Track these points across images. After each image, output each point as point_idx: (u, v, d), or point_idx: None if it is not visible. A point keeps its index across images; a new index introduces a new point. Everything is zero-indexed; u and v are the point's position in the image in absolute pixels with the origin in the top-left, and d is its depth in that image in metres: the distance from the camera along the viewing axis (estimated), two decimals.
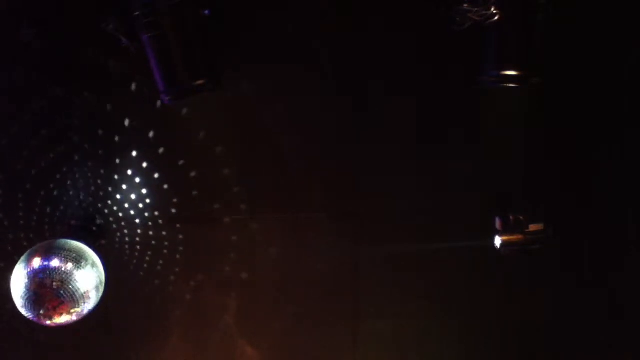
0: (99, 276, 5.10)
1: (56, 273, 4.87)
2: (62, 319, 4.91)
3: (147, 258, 5.75)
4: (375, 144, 5.56)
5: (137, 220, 5.67)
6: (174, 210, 5.66)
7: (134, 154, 5.55)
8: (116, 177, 5.58)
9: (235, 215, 5.69)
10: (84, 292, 4.95)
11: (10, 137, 5.48)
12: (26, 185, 5.58)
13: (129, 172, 5.58)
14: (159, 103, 5.34)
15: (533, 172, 5.55)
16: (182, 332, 5.96)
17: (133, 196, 5.62)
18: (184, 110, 5.47)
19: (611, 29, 5.26)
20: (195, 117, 5.49)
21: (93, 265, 5.07)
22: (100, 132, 5.50)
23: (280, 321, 5.95)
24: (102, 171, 5.57)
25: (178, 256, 5.76)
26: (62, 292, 4.86)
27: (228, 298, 5.90)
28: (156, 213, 5.66)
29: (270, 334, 5.98)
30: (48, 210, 5.63)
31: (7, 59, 5.34)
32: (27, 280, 4.86)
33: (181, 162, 5.59)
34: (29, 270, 4.88)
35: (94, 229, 5.61)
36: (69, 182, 5.58)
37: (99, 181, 5.59)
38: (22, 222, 5.66)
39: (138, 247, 5.73)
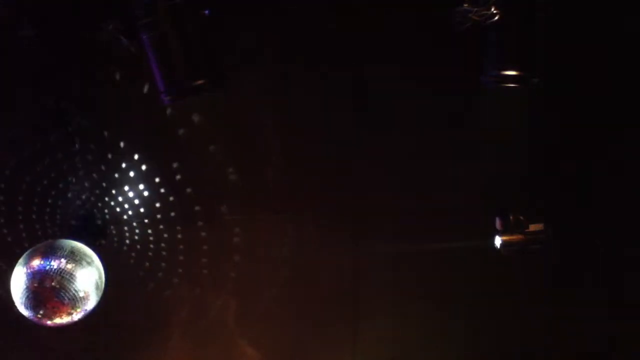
0: (98, 276, 5.10)
1: (56, 273, 4.87)
2: (62, 319, 4.91)
3: (147, 258, 5.76)
4: (376, 144, 5.56)
5: (137, 221, 5.67)
6: (173, 211, 5.66)
7: (134, 154, 5.55)
8: (116, 177, 5.58)
9: (235, 215, 5.69)
10: (84, 292, 4.95)
11: (10, 136, 5.48)
12: (26, 185, 5.59)
13: (129, 173, 5.58)
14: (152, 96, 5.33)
15: (533, 172, 5.55)
16: (182, 332, 5.96)
17: (133, 196, 5.62)
18: (184, 111, 5.47)
19: (611, 28, 5.26)
20: (196, 117, 5.49)
21: (93, 265, 5.07)
22: (100, 132, 5.51)
23: (281, 321, 5.95)
24: (102, 171, 5.57)
25: (178, 256, 5.76)
26: (61, 292, 4.86)
27: (228, 298, 5.90)
28: (156, 213, 5.66)
29: (270, 334, 5.98)
30: (48, 210, 5.63)
31: (7, 58, 5.34)
32: (26, 281, 4.86)
33: (181, 162, 5.59)
34: (28, 270, 4.88)
35: (94, 229, 5.61)
36: (69, 182, 5.58)
37: (99, 181, 5.59)
38: (22, 222, 5.66)
39: (138, 247, 5.73)
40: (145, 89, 5.32)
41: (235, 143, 5.59)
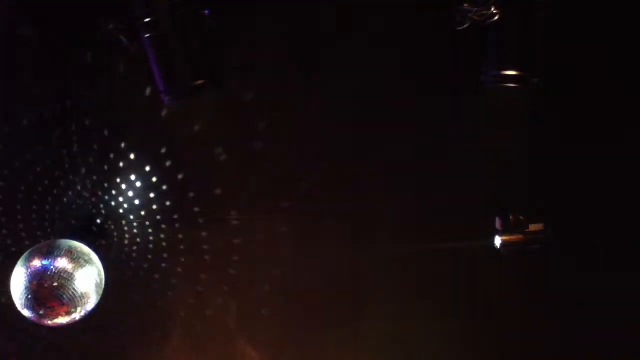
0: (98, 275, 5.10)
1: (56, 273, 4.87)
2: (62, 319, 4.91)
3: (147, 258, 5.75)
4: (376, 144, 5.56)
5: (137, 221, 5.67)
6: (174, 210, 5.66)
7: (134, 154, 5.55)
8: (116, 177, 5.58)
9: (236, 215, 5.69)
10: (84, 293, 4.95)
11: (10, 136, 5.48)
12: (26, 184, 5.59)
13: (129, 173, 5.58)
14: (153, 96, 5.33)
15: (533, 172, 5.55)
16: (182, 333, 5.96)
17: (133, 196, 5.62)
18: (184, 111, 5.47)
19: (611, 28, 5.26)
20: (196, 118, 5.49)
21: (92, 264, 5.07)
22: (100, 131, 5.50)
23: (281, 321, 5.95)
24: (102, 171, 5.57)
25: (178, 256, 5.76)
26: (61, 292, 4.86)
27: (228, 298, 5.90)
28: (156, 213, 5.65)
29: (270, 334, 5.98)
30: (48, 210, 5.63)
31: (7, 58, 5.34)
32: (27, 281, 4.86)
33: (181, 163, 5.59)
34: (28, 270, 4.88)
35: (94, 229, 5.61)
36: (69, 182, 5.58)
37: (99, 181, 5.59)
38: (22, 222, 5.66)
39: (138, 247, 5.73)
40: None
41: (235, 144, 5.59)
